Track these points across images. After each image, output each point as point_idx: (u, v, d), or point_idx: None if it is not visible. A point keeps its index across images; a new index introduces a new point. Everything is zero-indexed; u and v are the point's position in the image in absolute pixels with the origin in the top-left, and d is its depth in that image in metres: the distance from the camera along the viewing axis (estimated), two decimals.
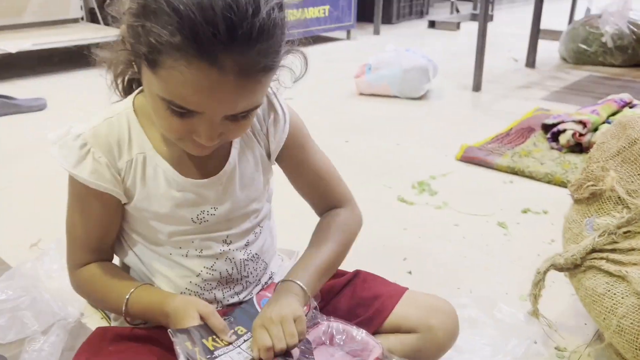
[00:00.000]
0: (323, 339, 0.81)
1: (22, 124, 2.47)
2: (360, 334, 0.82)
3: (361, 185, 1.87)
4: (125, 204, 0.81)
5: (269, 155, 0.89)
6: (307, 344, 0.76)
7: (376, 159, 2.11)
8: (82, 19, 3.85)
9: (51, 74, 3.31)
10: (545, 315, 1.14)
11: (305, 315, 0.78)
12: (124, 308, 0.80)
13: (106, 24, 3.82)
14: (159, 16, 0.61)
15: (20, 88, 2.94)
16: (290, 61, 0.73)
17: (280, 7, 0.65)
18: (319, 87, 3.03)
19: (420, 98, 2.83)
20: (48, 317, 1.13)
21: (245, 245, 0.88)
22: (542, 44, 3.57)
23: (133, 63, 0.71)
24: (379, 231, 1.56)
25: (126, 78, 0.84)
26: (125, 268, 0.90)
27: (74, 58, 3.38)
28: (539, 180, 1.90)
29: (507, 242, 1.53)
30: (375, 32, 4.82)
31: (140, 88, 0.82)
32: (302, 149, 0.92)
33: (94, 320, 1.18)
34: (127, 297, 0.80)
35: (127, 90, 0.85)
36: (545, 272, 1.04)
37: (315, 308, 0.83)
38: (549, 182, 1.88)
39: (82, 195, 0.79)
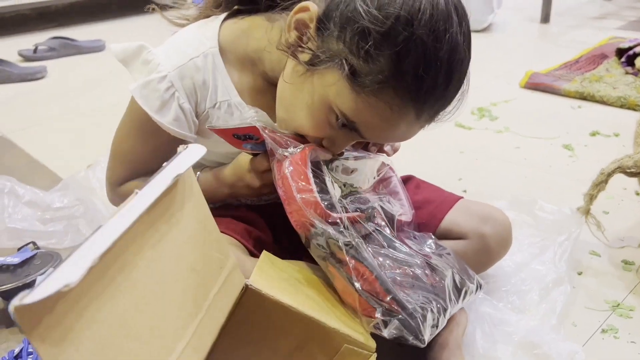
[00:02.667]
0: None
1: (83, 63, 2.52)
2: (406, 203, 0.82)
3: None
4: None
5: None
6: None
7: None
8: None
9: (109, 20, 3.37)
10: (612, 229, 1.06)
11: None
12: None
13: None
14: (404, 54, 0.59)
15: (80, 33, 3.00)
16: None
17: None
18: None
19: (483, 30, 2.67)
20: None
21: None
22: None
23: (308, 51, 0.66)
24: (433, 155, 1.49)
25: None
26: None
27: (131, 4, 3.42)
28: (610, 104, 1.76)
29: (572, 163, 1.43)
30: None
31: (223, 17, 0.77)
32: None
33: None
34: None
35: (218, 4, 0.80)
36: (610, 174, 0.96)
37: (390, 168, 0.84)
38: (621, 107, 1.74)
39: (150, 129, 0.76)
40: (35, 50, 2.52)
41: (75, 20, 3.34)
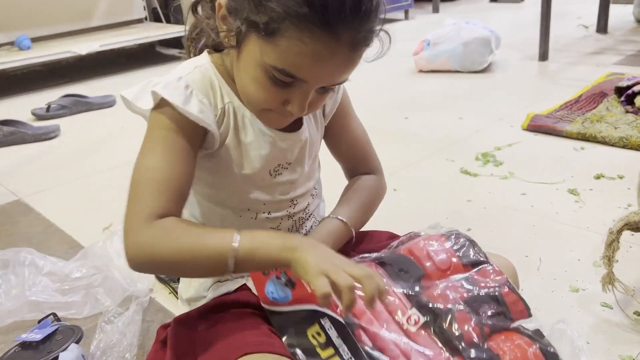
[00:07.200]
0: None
1: (94, 120, 2.59)
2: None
3: (421, 160, 1.83)
4: (209, 152, 0.79)
5: (323, 116, 0.93)
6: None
7: (437, 134, 2.05)
8: (146, 18, 3.99)
9: (118, 73, 3.46)
10: (622, 280, 1.07)
11: None
12: (237, 244, 0.67)
13: (168, 21, 3.94)
14: None
15: (91, 87, 3.09)
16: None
17: None
18: (377, 66, 2.96)
19: (482, 71, 2.73)
20: (119, 293, 1.18)
21: (306, 205, 0.91)
22: (614, 8, 3.36)
23: (231, 34, 0.72)
24: (441, 204, 1.52)
25: (199, 46, 0.85)
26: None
27: (139, 57, 3.52)
28: (612, 145, 1.78)
29: (579, 208, 1.45)
30: (435, 10, 4.71)
31: (209, 50, 0.84)
32: (347, 117, 0.97)
33: (163, 296, 1.22)
34: (235, 235, 0.67)
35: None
36: (619, 232, 0.97)
37: None
38: (623, 147, 1.76)
39: (171, 133, 0.74)
40: (47, 109, 2.59)
41: (85, 74, 3.44)
